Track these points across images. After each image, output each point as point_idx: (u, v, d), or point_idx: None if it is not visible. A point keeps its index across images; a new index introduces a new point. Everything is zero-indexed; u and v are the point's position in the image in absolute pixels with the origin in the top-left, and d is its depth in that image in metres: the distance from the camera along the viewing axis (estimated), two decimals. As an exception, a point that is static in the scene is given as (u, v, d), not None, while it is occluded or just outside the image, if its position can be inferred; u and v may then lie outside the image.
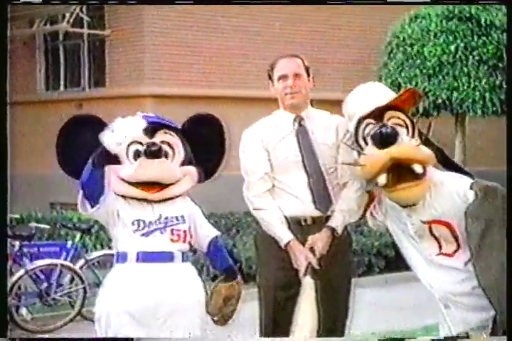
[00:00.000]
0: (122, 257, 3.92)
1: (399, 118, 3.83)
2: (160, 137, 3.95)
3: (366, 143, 3.82)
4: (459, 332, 3.79)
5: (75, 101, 13.89)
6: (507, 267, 3.62)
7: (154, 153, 3.87)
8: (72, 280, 7.95)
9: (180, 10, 13.13)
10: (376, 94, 3.93)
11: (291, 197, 4.08)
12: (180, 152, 3.97)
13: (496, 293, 3.60)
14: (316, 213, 4.08)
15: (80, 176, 3.84)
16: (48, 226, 9.54)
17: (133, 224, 3.89)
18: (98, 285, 7.53)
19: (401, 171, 3.73)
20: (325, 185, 4.10)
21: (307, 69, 4.19)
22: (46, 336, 7.48)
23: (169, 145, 3.95)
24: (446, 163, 3.94)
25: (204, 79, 13.73)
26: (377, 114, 3.80)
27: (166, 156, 3.93)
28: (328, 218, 4.09)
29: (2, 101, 4.04)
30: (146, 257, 3.86)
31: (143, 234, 3.88)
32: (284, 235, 4.05)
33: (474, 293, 3.71)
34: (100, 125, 3.93)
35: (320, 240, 4.03)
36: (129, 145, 3.92)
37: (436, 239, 3.79)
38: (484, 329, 3.75)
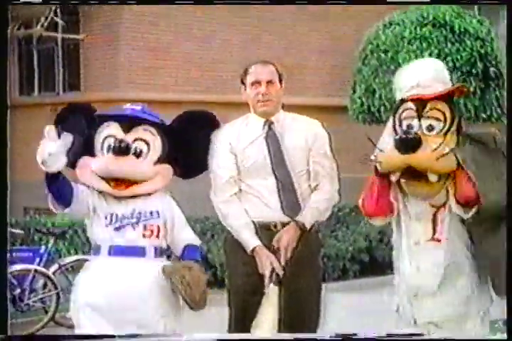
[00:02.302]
0: (96, 250, 3.95)
1: (439, 110, 3.75)
2: (136, 133, 3.94)
3: (400, 125, 3.79)
4: (422, 322, 3.85)
5: (50, 106, 13.81)
6: (507, 267, 3.63)
7: (122, 150, 3.88)
8: (45, 285, 7.90)
9: (155, 14, 13.10)
10: (429, 77, 3.80)
11: (260, 202, 4.08)
12: (156, 149, 3.96)
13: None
14: (285, 219, 4.08)
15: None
16: (21, 232, 9.46)
17: (106, 217, 3.91)
18: (71, 290, 7.51)
19: (416, 173, 3.70)
20: (294, 190, 4.10)
21: (280, 76, 4.19)
22: None
23: (145, 141, 3.94)
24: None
25: (179, 84, 13.71)
26: (420, 102, 3.75)
27: (139, 154, 3.92)
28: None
29: (2, 104, 4.01)
30: (117, 251, 3.88)
31: (115, 228, 3.89)
32: (250, 241, 4.05)
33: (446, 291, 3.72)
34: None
35: (286, 232, 4.01)
36: (104, 139, 3.93)
37: (434, 223, 3.75)
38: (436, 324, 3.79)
